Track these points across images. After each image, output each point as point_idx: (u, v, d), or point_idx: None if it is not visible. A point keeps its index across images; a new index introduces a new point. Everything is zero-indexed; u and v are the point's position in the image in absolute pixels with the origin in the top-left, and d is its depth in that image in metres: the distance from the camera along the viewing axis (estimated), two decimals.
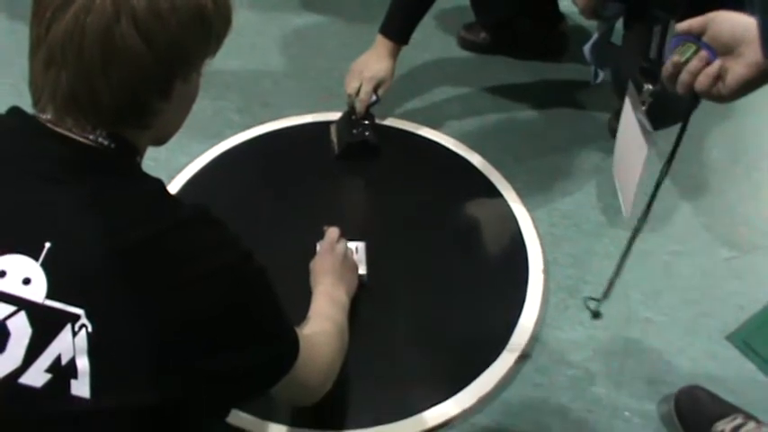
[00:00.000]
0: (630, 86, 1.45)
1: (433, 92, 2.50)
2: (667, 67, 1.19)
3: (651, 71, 1.41)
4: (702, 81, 1.14)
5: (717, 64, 1.12)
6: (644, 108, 1.39)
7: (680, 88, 1.18)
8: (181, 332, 0.93)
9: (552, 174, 2.21)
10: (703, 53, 1.14)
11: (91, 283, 0.90)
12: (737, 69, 1.10)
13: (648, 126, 1.37)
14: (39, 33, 0.95)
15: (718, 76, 1.13)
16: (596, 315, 1.83)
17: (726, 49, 1.12)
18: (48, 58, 0.95)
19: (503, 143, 2.30)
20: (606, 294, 1.80)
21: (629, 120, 1.49)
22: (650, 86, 1.38)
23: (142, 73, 0.96)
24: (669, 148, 1.38)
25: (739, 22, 1.11)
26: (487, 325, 1.81)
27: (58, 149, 0.97)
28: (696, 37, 1.16)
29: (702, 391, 1.62)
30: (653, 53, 1.55)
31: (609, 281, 1.77)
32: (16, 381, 0.87)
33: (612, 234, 2.02)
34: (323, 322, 1.50)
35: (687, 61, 1.15)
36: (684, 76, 1.16)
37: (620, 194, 1.63)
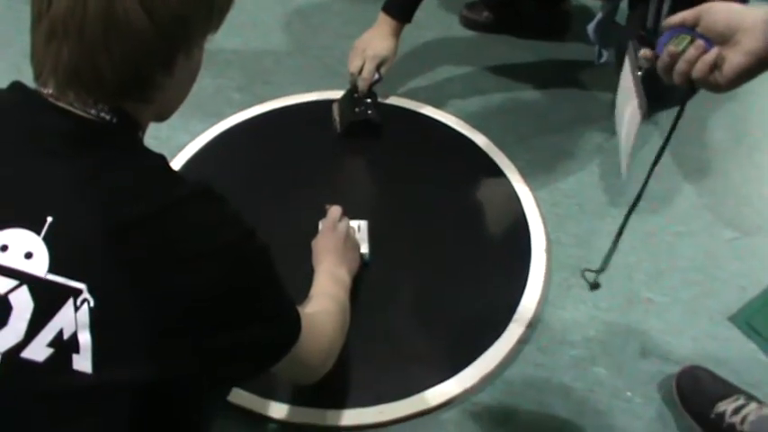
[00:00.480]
0: (630, 47, 1.45)
1: (435, 71, 2.49)
2: (663, 59, 1.19)
3: (648, 39, 1.41)
4: (700, 68, 1.13)
5: (714, 51, 1.12)
6: (639, 74, 1.39)
7: (677, 78, 1.18)
8: (182, 309, 0.93)
9: (555, 153, 2.20)
10: (700, 42, 1.13)
11: (92, 258, 0.89)
12: (735, 58, 1.09)
13: (641, 89, 1.37)
14: (40, 8, 0.94)
15: (716, 65, 1.12)
16: (595, 287, 1.82)
17: (722, 39, 1.11)
18: (49, 31, 0.94)
19: (506, 123, 2.29)
20: (604, 266, 1.79)
21: (627, 79, 1.49)
22: (647, 52, 1.38)
23: (145, 47, 0.95)
24: (669, 128, 1.37)
25: (734, 11, 1.11)
26: (490, 304, 1.80)
27: (60, 124, 0.96)
28: (690, 29, 1.15)
29: (704, 372, 1.62)
30: (650, 23, 1.54)
31: (607, 252, 1.76)
32: (18, 355, 0.86)
33: (615, 213, 2.01)
34: (325, 301, 1.50)
35: (683, 51, 1.15)
36: (681, 65, 1.16)
37: (620, 152, 1.63)
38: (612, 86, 2.27)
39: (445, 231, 1.97)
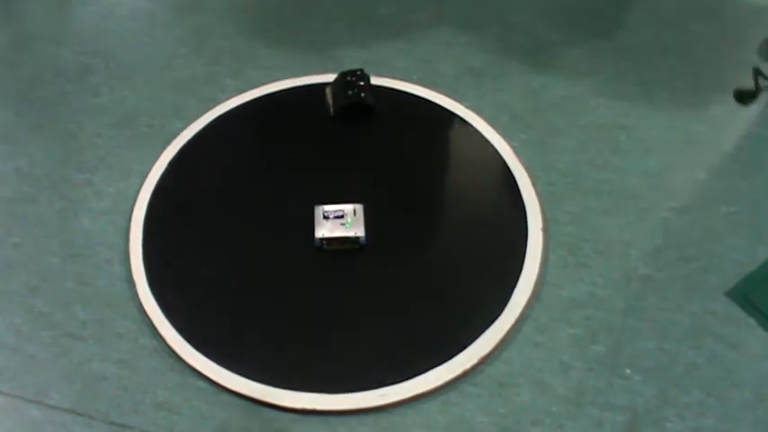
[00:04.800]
0: None
1: (427, 52, 2.48)
2: None
3: None
4: None
5: None
6: None
7: None
8: None
9: (550, 132, 2.19)
10: None
11: None
12: None
13: None
14: None
15: None
16: None
17: None
18: None
19: (499, 102, 2.29)
20: None
21: None
22: None
23: None
24: None
25: None
26: (487, 285, 1.80)
27: None
28: None
29: None
30: None
31: None
32: None
33: (610, 191, 2.01)
34: None
35: None
36: None
37: None
38: (608, 64, 2.29)
39: (441, 213, 1.96)
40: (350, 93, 2.20)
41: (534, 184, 2.02)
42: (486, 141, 2.14)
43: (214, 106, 2.27)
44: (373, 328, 1.72)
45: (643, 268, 1.85)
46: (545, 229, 1.92)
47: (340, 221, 1.87)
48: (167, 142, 2.15)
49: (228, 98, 2.31)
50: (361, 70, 2.24)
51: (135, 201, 2.00)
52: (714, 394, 1.62)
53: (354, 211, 1.88)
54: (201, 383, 1.66)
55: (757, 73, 1.83)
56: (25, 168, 2.11)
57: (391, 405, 1.60)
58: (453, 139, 2.18)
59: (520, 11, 2.63)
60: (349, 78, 2.22)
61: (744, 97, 1.79)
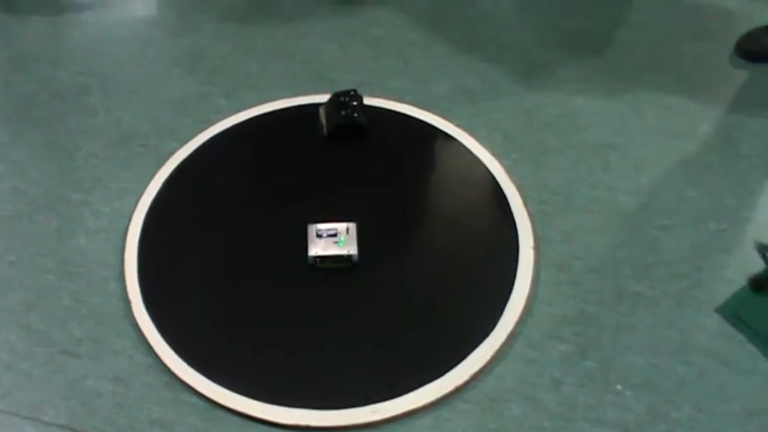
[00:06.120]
0: None
1: (420, 72, 2.50)
2: None
3: None
4: None
5: None
6: None
7: None
8: None
9: (542, 151, 2.21)
10: None
11: None
12: None
13: None
14: None
15: None
16: None
17: None
18: None
19: (491, 121, 2.31)
20: None
21: None
22: None
23: None
24: None
25: None
26: (479, 302, 1.82)
27: None
28: None
29: None
30: None
31: None
32: None
33: (601, 209, 2.03)
34: None
35: None
36: None
37: None
38: (600, 85, 2.31)
39: (433, 231, 1.98)
40: (343, 113, 2.22)
41: (526, 203, 2.04)
42: (478, 161, 2.16)
43: (208, 126, 2.29)
44: (365, 345, 1.73)
45: (634, 285, 1.86)
46: (536, 248, 1.93)
47: (333, 240, 1.88)
48: (162, 162, 2.16)
49: (223, 118, 2.32)
50: (355, 90, 2.27)
51: (130, 220, 2.01)
52: (704, 410, 1.63)
53: (347, 230, 1.90)
54: (196, 400, 1.67)
55: (764, 250, 1.86)
56: (22, 187, 2.13)
57: (383, 421, 1.61)
58: (445, 158, 2.20)
59: (513, 31, 2.66)
60: (342, 99, 2.24)
61: (763, 286, 1.81)
